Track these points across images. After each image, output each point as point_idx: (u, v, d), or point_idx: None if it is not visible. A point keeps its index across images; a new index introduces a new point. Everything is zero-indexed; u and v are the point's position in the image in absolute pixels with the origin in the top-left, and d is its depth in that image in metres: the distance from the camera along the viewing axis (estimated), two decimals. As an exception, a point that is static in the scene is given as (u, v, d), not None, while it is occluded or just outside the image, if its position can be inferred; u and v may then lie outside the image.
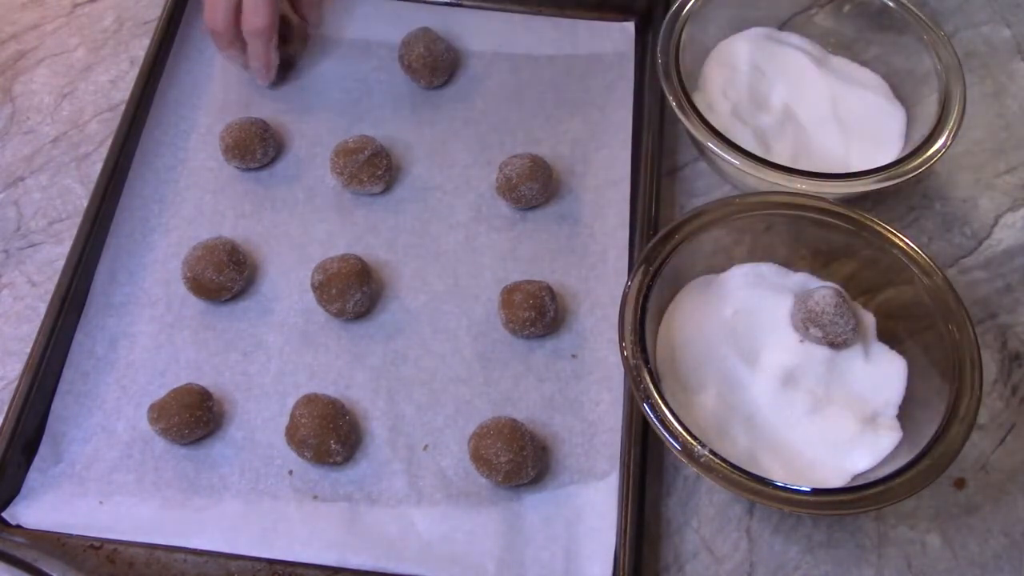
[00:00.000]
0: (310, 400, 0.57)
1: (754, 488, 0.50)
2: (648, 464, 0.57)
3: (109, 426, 0.58)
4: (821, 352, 0.58)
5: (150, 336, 0.61)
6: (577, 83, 0.73)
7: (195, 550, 0.54)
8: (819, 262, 0.61)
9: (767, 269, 0.61)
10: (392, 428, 0.59)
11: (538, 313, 0.60)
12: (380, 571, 0.54)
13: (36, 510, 0.55)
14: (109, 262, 0.63)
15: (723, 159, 0.62)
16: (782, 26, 0.74)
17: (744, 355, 0.57)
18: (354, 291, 0.60)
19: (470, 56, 0.74)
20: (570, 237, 0.66)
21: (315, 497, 0.56)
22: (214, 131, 0.69)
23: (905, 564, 0.56)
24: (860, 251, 0.60)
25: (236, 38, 0.67)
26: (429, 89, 0.72)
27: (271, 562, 0.54)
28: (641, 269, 0.57)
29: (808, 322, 0.56)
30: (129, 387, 0.59)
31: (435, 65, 0.70)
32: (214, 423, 0.58)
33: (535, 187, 0.65)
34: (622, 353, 0.54)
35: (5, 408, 0.57)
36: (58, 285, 0.61)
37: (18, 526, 0.54)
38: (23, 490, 0.56)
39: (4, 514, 0.55)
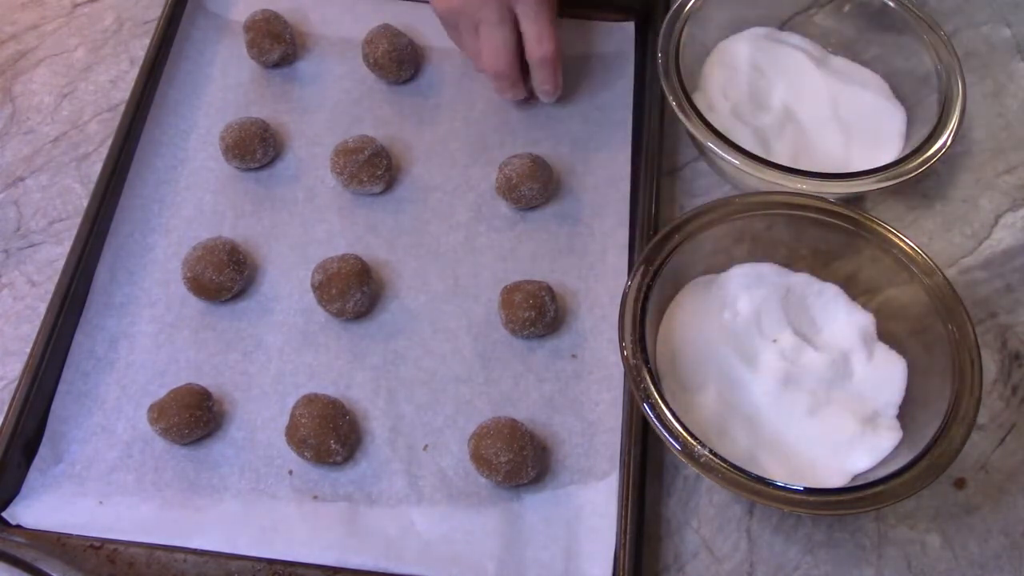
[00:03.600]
0: (310, 400, 0.57)
1: (754, 488, 0.50)
2: (648, 464, 0.57)
3: (109, 426, 0.58)
4: (821, 352, 0.58)
5: (150, 336, 0.61)
6: (577, 83, 0.73)
7: (195, 550, 0.54)
8: (819, 262, 0.61)
9: (767, 269, 0.61)
10: (392, 428, 0.59)
11: (538, 313, 0.60)
12: (380, 571, 0.54)
13: (36, 510, 0.55)
14: (109, 262, 0.63)
15: (723, 159, 0.62)
16: (782, 26, 0.74)
17: (744, 355, 0.57)
18: (354, 291, 0.60)
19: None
20: (570, 237, 0.66)
21: (315, 497, 0.56)
22: (214, 131, 0.69)
23: (905, 564, 0.56)
24: (860, 251, 0.60)
25: (520, 75, 0.67)
26: (398, 84, 0.73)
27: (271, 562, 0.54)
28: (641, 269, 0.57)
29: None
30: (129, 387, 0.59)
31: (401, 59, 0.71)
32: (214, 423, 0.58)
33: (535, 187, 0.65)
34: (622, 353, 0.54)
35: (5, 408, 0.57)
36: (58, 285, 0.61)
37: (18, 526, 0.54)
38: (23, 490, 0.56)
39: (4, 514, 0.55)
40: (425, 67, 0.74)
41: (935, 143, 0.63)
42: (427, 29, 0.75)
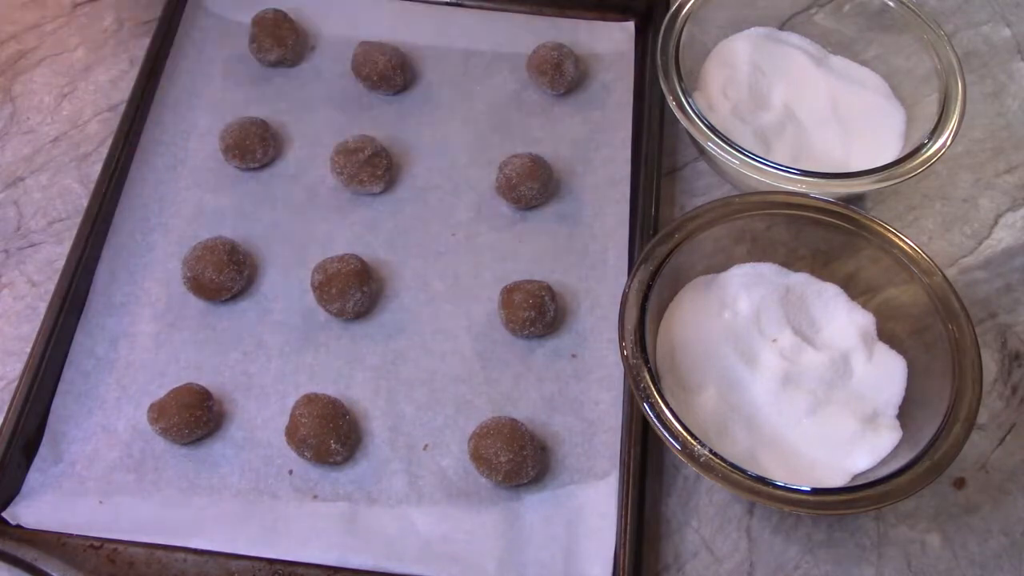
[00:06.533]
0: (310, 400, 0.57)
1: (754, 488, 0.50)
2: (648, 464, 0.57)
3: (109, 426, 0.58)
4: (821, 352, 0.58)
5: (150, 336, 0.61)
6: (577, 83, 0.73)
7: (195, 550, 0.54)
8: (819, 262, 0.61)
9: (767, 269, 0.61)
10: (392, 428, 0.59)
11: (538, 313, 0.60)
12: (380, 571, 0.54)
13: (36, 510, 0.55)
14: (109, 262, 0.63)
15: (723, 159, 0.62)
16: (782, 26, 0.74)
17: (744, 355, 0.57)
18: (354, 291, 0.60)
19: (471, 56, 0.75)
20: (570, 237, 0.66)
21: (315, 497, 0.56)
22: (214, 131, 0.69)
23: (905, 564, 0.56)
24: (860, 251, 0.60)
25: None
26: (395, 94, 0.72)
27: (271, 562, 0.54)
28: (641, 269, 0.57)
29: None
30: (129, 387, 0.59)
31: (390, 77, 0.70)
32: (214, 423, 0.58)
33: (535, 187, 0.65)
34: (622, 353, 0.54)
35: (5, 408, 0.57)
36: (58, 285, 0.61)
37: (18, 526, 0.54)
38: (23, 490, 0.56)
39: (4, 514, 0.55)
40: (425, 67, 0.74)
41: (935, 143, 0.63)
42: (427, 29, 0.75)
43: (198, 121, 0.70)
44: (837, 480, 0.54)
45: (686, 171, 0.70)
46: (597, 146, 0.70)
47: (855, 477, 0.54)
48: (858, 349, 0.58)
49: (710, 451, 0.51)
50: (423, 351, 0.62)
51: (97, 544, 0.54)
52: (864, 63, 0.72)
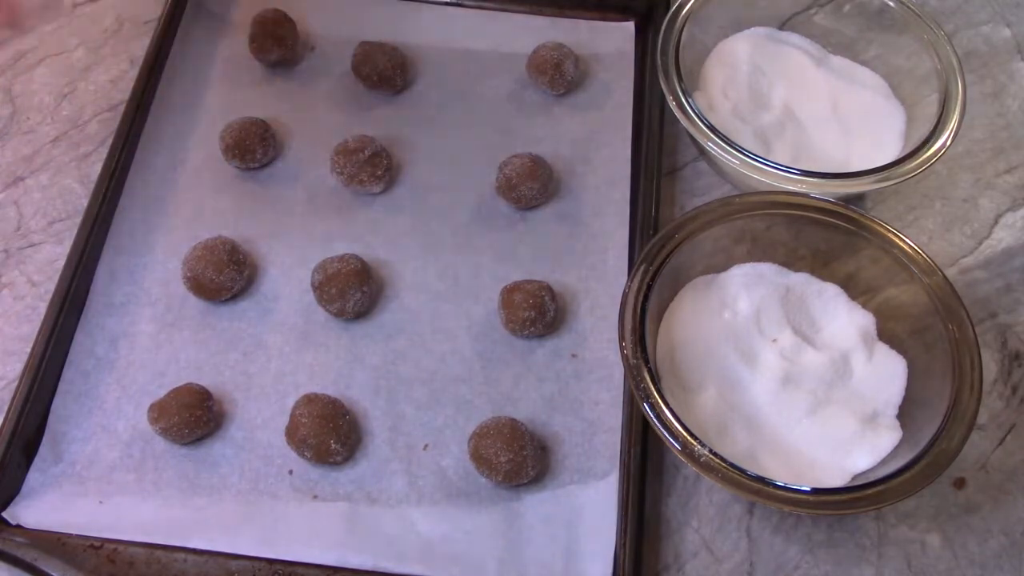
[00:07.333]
0: (310, 400, 0.57)
1: (754, 488, 0.50)
2: (648, 464, 0.57)
3: (109, 426, 0.58)
4: (821, 352, 0.58)
5: (150, 336, 0.61)
6: (577, 83, 0.73)
7: (195, 550, 0.54)
8: (819, 262, 0.61)
9: (767, 269, 0.61)
10: (392, 428, 0.59)
11: (538, 313, 0.60)
12: (380, 571, 0.54)
13: (36, 510, 0.55)
14: (109, 262, 0.63)
15: (723, 159, 0.62)
16: (782, 26, 0.74)
17: (744, 355, 0.57)
18: (354, 291, 0.60)
19: (471, 56, 0.75)
20: (570, 237, 0.66)
21: (315, 497, 0.56)
22: (214, 131, 0.69)
23: (905, 564, 0.56)
24: (860, 251, 0.60)
25: None
26: (395, 94, 0.72)
27: (271, 562, 0.54)
28: (641, 269, 0.57)
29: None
30: (129, 387, 0.59)
31: (390, 77, 0.70)
32: (214, 423, 0.58)
33: (535, 187, 0.65)
34: (622, 353, 0.54)
35: (5, 408, 0.57)
36: (58, 285, 0.61)
37: (18, 526, 0.54)
38: (23, 490, 0.56)
39: (4, 514, 0.55)
40: (425, 67, 0.74)
41: (935, 143, 0.63)
42: (427, 29, 0.75)
43: (198, 121, 0.70)
44: (837, 480, 0.54)
45: (686, 171, 0.70)
46: (597, 146, 0.70)
47: (855, 477, 0.54)
48: (858, 349, 0.58)
49: (710, 451, 0.51)
50: (423, 351, 0.62)
51: (97, 544, 0.54)
52: (864, 63, 0.72)
